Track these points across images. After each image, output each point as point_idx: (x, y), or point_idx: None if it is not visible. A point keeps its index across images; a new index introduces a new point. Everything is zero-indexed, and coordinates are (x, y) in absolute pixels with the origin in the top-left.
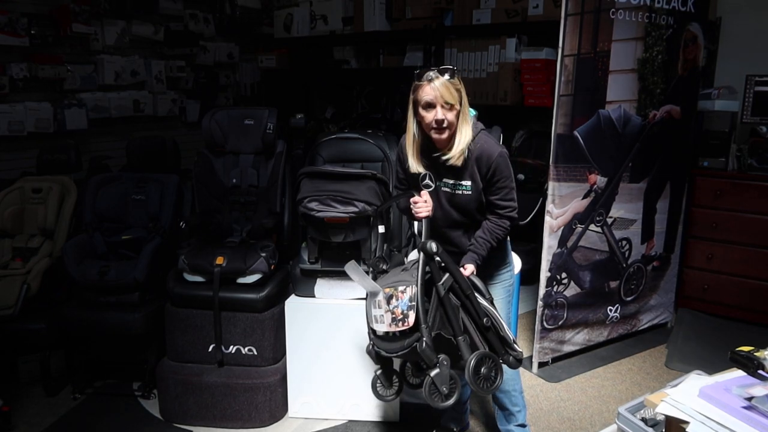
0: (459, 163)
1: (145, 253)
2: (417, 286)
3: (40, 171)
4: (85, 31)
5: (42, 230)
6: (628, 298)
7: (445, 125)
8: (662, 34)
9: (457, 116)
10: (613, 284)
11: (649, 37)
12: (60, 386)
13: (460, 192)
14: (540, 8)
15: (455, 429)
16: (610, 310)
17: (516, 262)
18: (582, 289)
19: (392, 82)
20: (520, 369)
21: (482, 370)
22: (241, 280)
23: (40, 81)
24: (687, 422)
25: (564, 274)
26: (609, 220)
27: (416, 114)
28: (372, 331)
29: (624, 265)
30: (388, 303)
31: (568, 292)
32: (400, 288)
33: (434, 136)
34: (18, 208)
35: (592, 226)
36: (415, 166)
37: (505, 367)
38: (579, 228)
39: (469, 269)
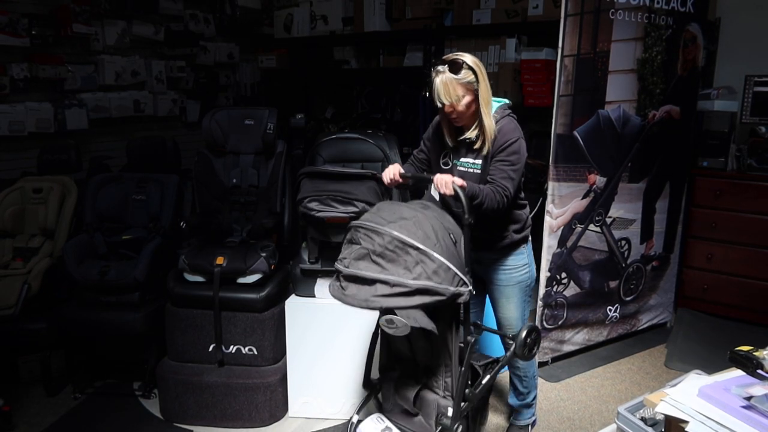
0: (479, 144)
1: (146, 253)
2: None
3: (40, 171)
4: (85, 32)
5: (42, 230)
6: (628, 298)
7: (453, 116)
8: (662, 34)
9: (469, 105)
10: (613, 284)
11: (649, 38)
12: (60, 386)
13: (471, 171)
14: (540, 8)
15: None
16: (610, 310)
17: None
18: (582, 289)
19: (392, 82)
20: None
21: (528, 339)
22: (241, 280)
23: (40, 81)
24: (686, 422)
25: (564, 274)
26: (608, 220)
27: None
28: None
29: (623, 265)
30: None
31: (568, 292)
32: None
33: (452, 123)
34: (19, 208)
35: (592, 226)
36: (446, 142)
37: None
38: (578, 228)
39: (458, 180)
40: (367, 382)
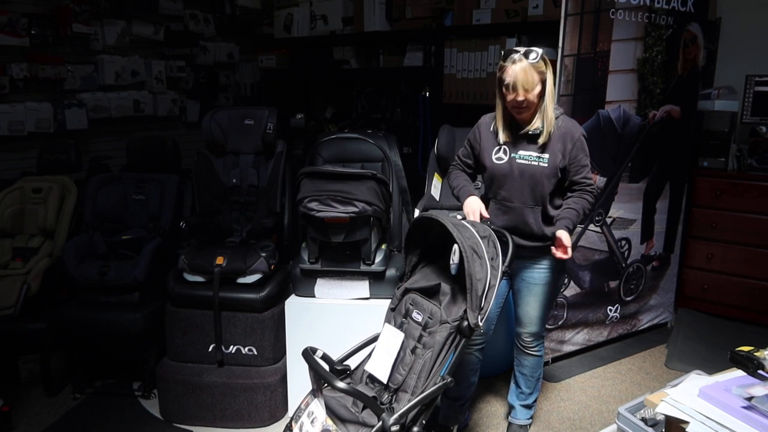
0: (545, 138)
1: (145, 253)
2: None
3: (40, 171)
4: (85, 31)
5: (42, 230)
6: (628, 298)
7: (524, 105)
8: (662, 34)
9: (540, 95)
10: (613, 284)
11: (649, 37)
12: (60, 386)
13: (536, 164)
14: (540, 8)
15: (452, 428)
16: (610, 310)
17: None
18: (582, 289)
19: (392, 82)
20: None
21: None
22: (241, 280)
23: (40, 81)
24: (687, 422)
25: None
26: (608, 220)
27: (500, 91)
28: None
29: (623, 265)
30: None
31: (568, 292)
32: None
33: (515, 114)
34: (18, 208)
35: (592, 226)
36: (502, 137)
37: (530, 355)
38: (578, 228)
39: (564, 236)
40: (340, 363)
